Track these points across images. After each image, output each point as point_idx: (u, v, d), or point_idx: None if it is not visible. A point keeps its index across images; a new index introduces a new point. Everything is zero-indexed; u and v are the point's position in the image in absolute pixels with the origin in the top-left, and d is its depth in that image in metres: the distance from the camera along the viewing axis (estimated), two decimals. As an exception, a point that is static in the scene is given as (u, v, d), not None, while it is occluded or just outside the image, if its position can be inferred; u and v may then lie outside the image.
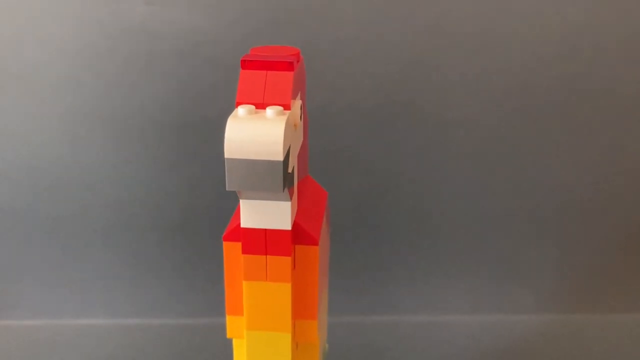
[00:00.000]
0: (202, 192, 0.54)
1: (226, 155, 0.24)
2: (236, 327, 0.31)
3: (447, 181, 0.54)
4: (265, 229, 0.28)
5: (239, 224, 0.29)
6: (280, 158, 0.24)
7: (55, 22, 0.50)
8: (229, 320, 0.31)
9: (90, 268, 0.56)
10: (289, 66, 0.27)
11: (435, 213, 0.55)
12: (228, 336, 0.32)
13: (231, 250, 0.30)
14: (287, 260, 0.29)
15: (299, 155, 0.29)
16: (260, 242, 0.28)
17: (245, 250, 0.29)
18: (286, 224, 0.28)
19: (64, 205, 0.54)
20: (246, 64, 0.26)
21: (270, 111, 0.25)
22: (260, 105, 0.26)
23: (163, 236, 0.55)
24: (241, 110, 0.25)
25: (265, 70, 0.27)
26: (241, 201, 0.28)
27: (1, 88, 0.52)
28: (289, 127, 0.26)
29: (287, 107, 0.26)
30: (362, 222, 0.55)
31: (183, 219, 0.55)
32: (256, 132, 0.24)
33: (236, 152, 0.24)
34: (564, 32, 0.50)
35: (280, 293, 0.29)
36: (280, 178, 0.25)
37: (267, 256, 0.29)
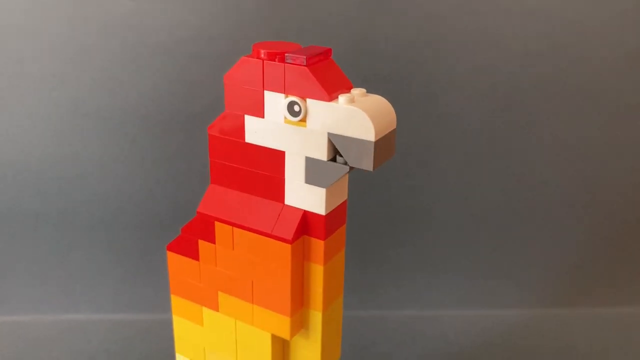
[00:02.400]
0: (189, 188, 0.52)
1: (375, 139, 0.26)
2: (298, 324, 0.32)
3: (433, 178, 0.54)
4: (336, 207, 0.30)
5: (299, 225, 0.30)
6: (395, 125, 0.28)
7: (40, 17, 0.50)
8: (293, 322, 0.31)
9: (76, 264, 0.55)
10: (329, 54, 0.28)
11: (421, 209, 0.54)
12: (290, 338, 0.32)
13: (296, 252, 0.30)
14: (344, 227, 0.32)
15: None
16: (334, 220, 0.30)
17: (327, 235, 0.30)
18: (346, 193, 0.31)
19: (49, 201, 0.54)
20: (311, 60, 0.27)
21: (356, 91, 0.28)
22: (345, 91, 0.28)
23: (149, 232, 0.54)
24: (342, 99, 0.27)
25: (320, 62, 0.28)
26: (326, 190, 0.29)
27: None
28: None
29: (352, 87, 0.29)
30: (349, 217, 0.50)
31: (169, 214, 0.53)
32: (379, 111, 0.27)
33: (379, 132, 0.27)
34: (552, 29, 0.51)
35: (339, 261, 0.32)
36: (395, 142, 0.28)
37: (336, 232, 0.31)
